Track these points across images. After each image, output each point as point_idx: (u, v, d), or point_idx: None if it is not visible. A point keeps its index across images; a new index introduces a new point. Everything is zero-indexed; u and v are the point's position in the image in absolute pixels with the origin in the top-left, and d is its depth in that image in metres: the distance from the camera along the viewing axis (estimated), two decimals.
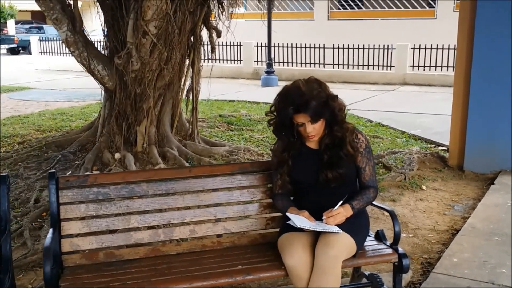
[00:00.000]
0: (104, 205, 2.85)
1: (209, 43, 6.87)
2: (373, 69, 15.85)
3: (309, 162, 2.82)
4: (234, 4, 6.53)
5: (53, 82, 16.79)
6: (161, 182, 2.94)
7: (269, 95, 12.68)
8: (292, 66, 16.93)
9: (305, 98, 2.62)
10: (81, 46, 5.72)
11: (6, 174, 2.74)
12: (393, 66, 15.48)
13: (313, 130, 2.71)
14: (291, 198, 2.97)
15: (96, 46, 6.21)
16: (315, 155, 2.81)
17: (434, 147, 7.40)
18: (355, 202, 2.76)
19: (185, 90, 6.77)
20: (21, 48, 34.23)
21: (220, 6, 6.48)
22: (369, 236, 3.04)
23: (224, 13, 6.51)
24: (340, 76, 15.91)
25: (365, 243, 2.93)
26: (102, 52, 6.35)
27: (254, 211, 3.08)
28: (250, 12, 20.27)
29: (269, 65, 15.40)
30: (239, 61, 17.75)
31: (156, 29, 5.47)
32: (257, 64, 17.21)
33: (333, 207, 2.72)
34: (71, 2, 5.66)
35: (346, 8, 19.11)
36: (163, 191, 2.94)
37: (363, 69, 15.97)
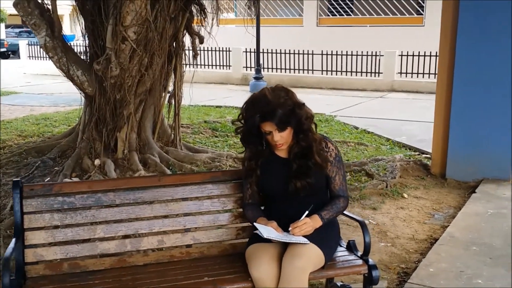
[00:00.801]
0: (70, 215, 2.78)
1: (192, 48, 6.83)
2: (361, 75, 15.86)
3: (278, 171, 2.77)
4: (217, 10, 6.46)
5: (41, 87, 16.66)
6: (128, 191, 2.88)
7: None
8: (281, 72, 16.93)
9: (271, 106, 2.58)
10: (60, 51, 5.65)
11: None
12: (381, 73, 15.50)
13: (281, 139, 2.66)
14: (262, 207, 2.93)
15: (76, 51, 6.14)
16: (284, 164, 2.77)
17: (418, 154, 7.38)
18: (324, 212, 2.72)
19: (167, 96, 6.72)
20: (11, 52, 33.97)
21: (202, 12, 6.43)
22: (341, 246, 3.00)
23: (206, 19, 6.46)
24: (329, 82, 15.92)
25: (336, 254, 2.89)
26: (83, 57, 6.29)
27: (225, 221, 3.03)
28: (240, 18, 20.29)
29: (258, 70, 15.36)
30: (228, 67, 17.71)
31: (135, 35, 5.42)
32: (246, 70, 17.19)
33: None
34: (50, 7, 5.59)
35: (335, 15, 19.13)
36: (131, 200, 2.88)
37: (351, 75, 15.98)
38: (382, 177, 6.07)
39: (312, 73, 16.60)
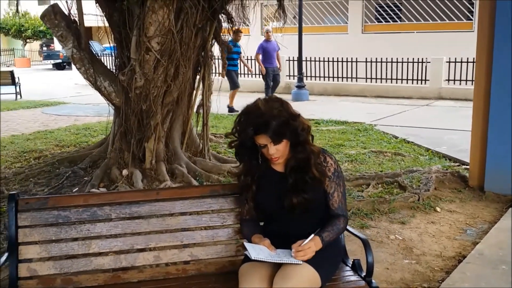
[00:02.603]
0: (64, 229, 2.74)
1: (221, 58, 6.79)
2: (407, 83, 15.44)
3: (274, 186, 2.64)
4: (242, 20, 6.39)
5: (89, 97, 16.99)
6: (125, 205, 2.81)
7: (298, 110, 12.54)
8: (324, 80, 16.73)
9: (265, 118, 2.46)
10: (87, 62, 5.73)
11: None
12: (428, 80, 15.03)
13: (277, 152, 2.53)
14: (261, 223, 2.81)
15: (103, 62, 6.21)
16: (280, 178, 2.63)
17: (458, 165, 7.04)
18: (325, 234, 2.54)
19: (196, 106, 6.69)
20: (66, 64, 35.14)
21: (230, 21, 6.38)
22: (346, 265, 2.83)
23: (233, 28, 6.41)
24: (373, 90, 15.58)
25: (340, 274, 2.73)
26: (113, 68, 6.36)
27: (224, 237, 2.91)
28: (288, 26, 20.25)
29: (300, 79, 15.22)
30: None
31: (159, 46, 5.42)
32: (289, 78, 17.04)
33: (300, 234, 2.52)
34: (77, 19, 5.67)
35: (381, 21, 18.75)
36: (127, 215, 2.81)
37: (396, 83, 15.58)
38: (415, 190, 5.81)
39: (356, 81, 16.30)
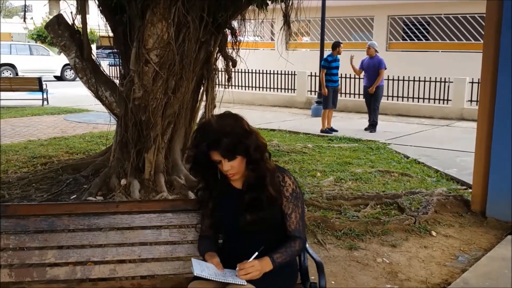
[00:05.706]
0: (22, 237, 2.75)
1: (226, 71, 6.80)
2: (429, 102, 15.19)
3: (231, 203, 2.61)
4: (242, 33, 6.40)
5: None
6: (84, 217, 2.81)
7: (314, 125, 12.46)
8: (345, 96, 16.55)
9: (217, 135, 2.44)
10: (89, 72, 5.81)
11: None
12: (450, 100, 14.76)
13: (232, 168, 2.51)
14: (220, 241, 2.77)
15: (105, 72, 6.28)
16: (239, 196, 2.60)
17: (465, 188, 6.86)
18: (277, 255, 2.49)
19: (198, 118, 6.71)
20: None
21: (233, 36, 6.39)
22: None
23: (237, 43, 6.42)
24: (395, 108, 15.36)
25: None
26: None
27: (183, 253, 2.88)
28: (314, 42, 20.25)
29: (320, 94, 15.12)
30: (292, 90, 17.60)
31: (158, 58, 5.45)
32: (310, 94, 16.99)
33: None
34: (80, 29, 5.77)
35: (406, 40, 18.56)
36: (85, 226, 2.81)
37: (418, 102, 15.34)
38: (412, 212, 5.68)
39: None
